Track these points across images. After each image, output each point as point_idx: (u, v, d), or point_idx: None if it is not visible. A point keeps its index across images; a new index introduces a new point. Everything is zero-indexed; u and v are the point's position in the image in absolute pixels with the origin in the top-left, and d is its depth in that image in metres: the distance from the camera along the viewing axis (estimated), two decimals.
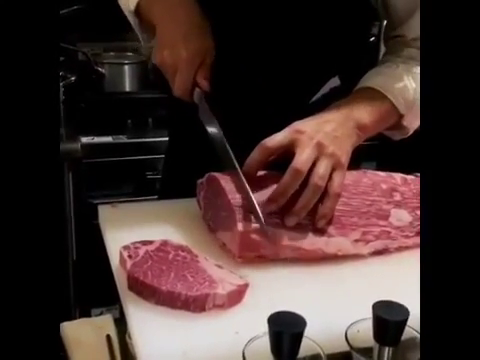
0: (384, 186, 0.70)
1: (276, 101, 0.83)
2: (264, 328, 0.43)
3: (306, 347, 0.43)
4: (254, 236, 0.61)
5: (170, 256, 0.59)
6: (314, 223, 0.64)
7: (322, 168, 0.63)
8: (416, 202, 0.70)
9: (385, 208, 0.68)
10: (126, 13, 0.80)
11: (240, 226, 0.61)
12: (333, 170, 0.64)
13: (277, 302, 0.54)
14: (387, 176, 0.72)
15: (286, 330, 0.40)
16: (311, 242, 0.63)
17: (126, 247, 0.60)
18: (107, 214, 0.72)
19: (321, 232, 0.63)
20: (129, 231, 0.67)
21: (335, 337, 0.46)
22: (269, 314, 0.43)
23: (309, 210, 0.63)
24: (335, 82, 0.85)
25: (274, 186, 0.63)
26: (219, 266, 0.59)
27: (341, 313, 0.51)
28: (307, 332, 0.42)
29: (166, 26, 0.75)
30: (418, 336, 0.46)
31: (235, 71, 0.82)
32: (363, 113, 0.70)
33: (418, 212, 0.70)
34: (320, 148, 0.64)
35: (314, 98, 0.83)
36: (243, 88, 0.82)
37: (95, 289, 1.08)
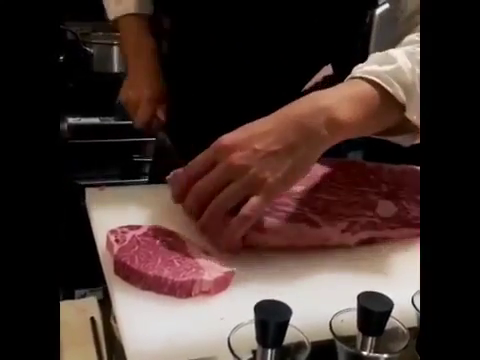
0: (372, 177, 0.70)
1: (267, 87, 0.82)
2: (250, 315, 0.43)
3: (291, 335, 0.43)
4: (260, 226, 0.61)
5: (157, 241, 0.59)
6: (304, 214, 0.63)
7: (227, 193, 0.56)
8: (402, 193, 0.71)
9: (372, 199, 0.69)
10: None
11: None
12: (251, 194, 0.56)
13: (263, 290, 0.54)
14: (375, 167, 0.73)
15: (271, 319, 0.41)
16: (299, 231, 0.63)
17: (113, 231, 0.60)
18: (94, 197, 0.72)
19: (309, 222, 0.64)
20: (116, 215, 0.67)
21: (320, 326, 0.47)
22: (255, 301, 0.44)
23: (296, 199, 0.64)
24: (328, 70, 0.83)
25: None
26: (206, 253, 0.59)
27: (326, 302, 0.52)
28: (292, 320, 0.43)
29: (132, 66, 0.91)
30: (401, 326, 0.47)
31: (225, 56, 0.82)
32: (345, 109, 0.57)
33: (404, 203, 0.70)
34: (238, 171, 0.55)
35: (306, 86, 0.83)
36: (233, 73, 0.82)
37: (79, 270, 1.08)
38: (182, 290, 0.54)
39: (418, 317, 0.48)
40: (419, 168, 0.75)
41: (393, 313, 0.45)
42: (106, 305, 0.63)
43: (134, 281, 0.55)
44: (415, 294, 0.49)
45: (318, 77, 0.82)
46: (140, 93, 0.88)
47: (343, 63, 0.65)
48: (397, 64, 0.59)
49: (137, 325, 0.51)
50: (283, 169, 0.55)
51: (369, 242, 0.67)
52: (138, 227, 0.61)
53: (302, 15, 0.79)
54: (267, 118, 0.58)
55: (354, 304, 0.45)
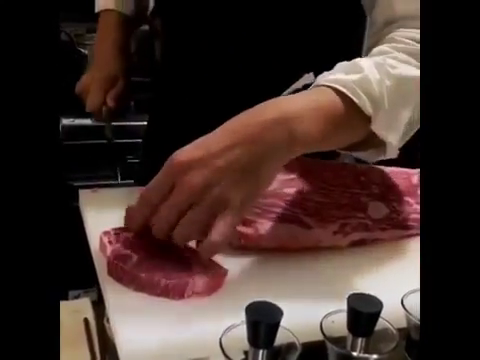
0: (363, 179, 0.71)
1: (259, 92, 0.83)
2: (242, 316, 0.44)
3: (282, 336, 0.44)
4: (253, 228, 0.62)
5: (150, 243, 0.59)
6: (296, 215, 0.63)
7: (192, 216, 0.52)
8: (393, 195, 0.72)
9: (363, 201, 0.69)
10: None
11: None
12: (218, 213, 0.52)
13: (255, 291, 0.55)
14: (366, 169, 0.73)
15: (263, 320, 0.41)
16: (291, 233, 0.63)
17: (106, 233, 0.60)
18: (88, 198, 0.72)
19: (301, 223, 0.64)
20: (110, 216, 0.67)
21: (311, 327, 0.47)
22: (247, 302, 0.44)
23: (288, 200, 0.64)
24: (309, 79, 0.80)
25: None
26: (199, 254, 0.59)
27: (317, 303, 0.52)
28: (284, 321, 0.43)
29: (94, 55, 0.95)
30: (391, 327, 0.47)
31: (218, 61, 0.82)
32: (304, 120, 0.53)
33: (395, 205, 0.71)
34: (199, 192, 0.51)
35: (285, 93, 0.83)
36: (225, 78, 0.82)
37: (73, 271, 1.08)
38: (175, 291, 0.54)
39: (408, 318, 0.49)
40: (409, 170, 0.76)
41: (383, 314, 0.46)
42: (100, 306, 0.64)
43: (127, 282, 0.55)
44: (405, 295, 0.50)
45: (298, 84, 0.82)
46: (91, 77, 0.91)
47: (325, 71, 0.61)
48: (364, 74, 0.56)
49: (130, 326, 0.51)
50: (244, 187, 0.52)
51: (360, 243, 0.68)
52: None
53: (293, 19, 0.79)
54: (224, 130, 0.53)
55: (345, 305, 0.46)
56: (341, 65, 0.59)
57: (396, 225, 0.70)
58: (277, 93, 0.81)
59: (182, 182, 0.51)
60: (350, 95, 0.55)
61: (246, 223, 0.62)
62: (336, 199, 0.68)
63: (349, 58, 0.61)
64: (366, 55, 0.65)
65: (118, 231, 0.61)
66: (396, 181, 0.73)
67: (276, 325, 0.42)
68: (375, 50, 0.63)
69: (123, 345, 0.49)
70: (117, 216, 0.67)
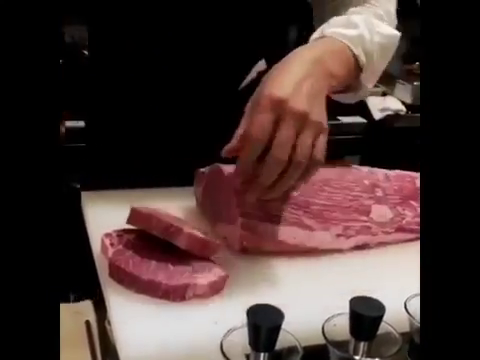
0: (366, 182, 0.71)
1: (202, 89, 0.82)
2: (243, 319, 0.43)
3: (283, 339, 0.44)
4: (255, 230, 0.62)
5: (152, 245, 0.59)
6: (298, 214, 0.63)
7: (306, 144, 0.56)
8: (397, 199, 0.71)
9: (366, 204, 0.69)
10: None
11: (241, 221, 0.62)
12: (317, 136, 0.58)
13: (256, 294, 0.55)
14: (369, 172, 0.73)
15: (264, 323, 0.41)
16: (293, 236, 0.63)
17: (108, 235, 0.60)
18: (90, 200, 0.72)
19: (303, 226, 0.64)
20: (112, 218, 0.67)
21: (312, 330, 0.47)
22: (248, 305, 0.44)
23: (291, 203, 0.64)
24: (262, 66, 0.84)
25: None
26: (200, 257, 0.59)
27: (319, 307, 0.52)
28: (285, 324, 0.43)
29: None
30: (393, 331, 0.47)
31: (143, 63, 0.81)
32: (332, 61, 0.63)
33: (399, 208, 0.71)
34: (304, 118, 0.56)
35: (243, 84, 0.83)
36: (152, 79, 0.82)
37: (74, 273, 1.08)
38: (176, 294, 0.54)
39: (410, 322, 0.48)
40: (413, 173, 0.75)
41: (386, 318, 0.46)
42: (101, 308, 0.63)
43: (128, 284, 0.55)
44: (408, 299, 0.49)
45: (253, 74, 0.82)
46: None
47: (276, 58, 0.63)
48: (360, 30, 0.66)
49: (131, 328, 0.51)
50: (323, 108, 0.59)
51: (363, 247, 0.67)
52: (133, 231, 0.62)
53: (220, 19, 0.79)
54: (285, 69, 0.59)
55: (347, 308, 0.46)
56: (336, 20, 0.69)
57: (400, 229, 0.69)
58: (203, 93, 0.80)
59: (288, 112, 0.56)
60: (352, 47, 0.65)
61: (248, 226, 0.62)
62: (339, 202, 0.67)
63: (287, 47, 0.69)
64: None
65: (120, 233, 0.61)
66: (400, 184, 0.72)
67: (277, 328, 0.41)
68: (349, 12, 0.72)
69: (124, 347, 0.49)
70: (119, 218, 0.67)
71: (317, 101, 0.58)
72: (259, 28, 0.81)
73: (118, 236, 0.60)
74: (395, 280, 0.60)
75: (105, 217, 0.67)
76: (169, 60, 0.80)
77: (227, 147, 0.59)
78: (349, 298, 0.46)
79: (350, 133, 1.72)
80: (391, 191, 0.71)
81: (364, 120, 1.74)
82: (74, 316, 0.73)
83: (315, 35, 0.67)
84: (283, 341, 0.44)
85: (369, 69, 0.67)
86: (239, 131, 0.58)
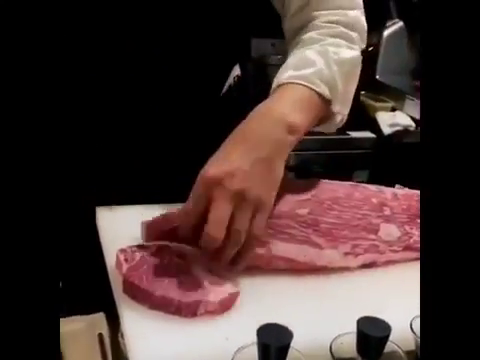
0: (374, 200, 0.72)
1: (185, 93, 0.82)
2: (253, 335, 0.45)
3: (292, 358, 0.45)
4: (265, 248, 0.64)
5: (165, 261, 0.61)
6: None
7: (241, 222, 0.58)
8: (405, 217, 0.73)
9: (375, 222, 0.70)
10: None
11: None
12: (255, 213, 0.59)
13: (266, 311, 0.56)
14: (378, 191, 0.74)
15: (273, 342, 0.42)
16: (303, 254, 0.65)
17: (123, 250, 0.62)
18: (105, 216, 0.74)
19: (312, 244, 0.65)
20: (126, 234, 0.68)
21: (320, 348, 0.48)
22: (258, 322, 0.45)
23: (300, 221, 0.65)
24: (236, 70, 0.86)
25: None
26: (212, 273, 0.60)
27: (327, 325, 0.53)
28: (294, 342, 0.44)
29: None
30: (398, 350, 0.48)
31: (143, 63, 0.81)
32: (293, 114, 0.63)
33: (407, 227, 0.72)
34: (239, 197, 0.57)
35: (224, 90, 0.84)
36: (151, 79, 0.81)
37: (88, 286, 1.09)
38: (188, 310, 0.55)
39: (416, 341, 0.50)
40: None
41: (392, 336, 0.47)
42: (114, 321, 0.65)
43: (142, 300, 0.57)
44: (414, 318, 0.50)
45: (230, 79, 0.85)
46: None
47: (247, 61, 0.67)
48: (316, 67, 0.67)
49: (144, 342, 0.53)
50: (268, 182, 0.60)
51: (371, 265, 0.69)
52: (147, 246, 0.63)
53: (218, 19, 0.80)
54: (234, 142, 0.61)
55: (354, 327, 0.47)
56: (292, 62, 0.69)
57: (407, 247, 0.71)
58: (203, 94, 0.81)
59: (220, 194, 0.57)
60: (313, 86, 0.65)
61: (259, 243, 0.63)
62: (348, 220, 0.69)
63: None
64: (290, 38, 0.77)
65: (134, 249, 0.62)
66: (408, 203, 0.73)
67: (286, 348, 0.43)
68: (306, 38, 0.73)
69: None
70: (133, 234, 0.69)
71: (261, 174, 0.59)
72: (235, 36, 0.82)
73: (132, 252, 0.62)
74: (401, 298, 0.62)
75: (120, 233, 0.69)
76: (157, 63, 0.81)
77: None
78: (357, 317, 0.47)
79: (359, 148, 1.73)
80: (399, 210, 0.72)
81: (373, 135, 1.76)
82: (87, 328, 0.75)
83: (274, 85, 0.67)
84: (292, 358, 0.45)
85: (338, 98, 0.68)
86: (185, 205, 0.60)
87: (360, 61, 0.74)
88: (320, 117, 0.68)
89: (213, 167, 0.58)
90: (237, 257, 0.60)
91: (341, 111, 0.70)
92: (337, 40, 0.72)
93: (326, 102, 0.67)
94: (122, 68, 0.81)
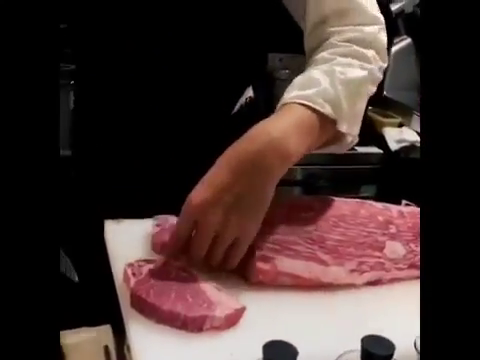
0: (380, 218, 0.72)
1: (197, 115, 0.83)
2: (258, 351, 0.45)
3: None
4: (271, 264, 0.65)
5: (172, 276, 0.61)
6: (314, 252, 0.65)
7: (219, 250, 0.62)
8: (411, 235, 0.73)
9: (380, 240, 0.70)
10: None
11: (258, 254, 0.64)
12: (236, 240, 0.62)
13: (271, 327, 0.56)
14: (384, 208, 0.75)
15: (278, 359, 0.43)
16: (309, 270, 0.65)
17: (130, 265, 0.63)
18: (112, 229, 0.75)
19: (318, 260, 0.66)
20: (133, 247, 0.69)
21: None
22: (263, 338, 0.46)
23: (306, 238, 0.66)
24: (249, 92, 0.87)
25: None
26: (218, 288, 0.61)
27: (332, 342, 0.54)
28: (299, 359, 0.45)
29: None
30: None
31: (143, 63, 0.81)
32: (293, 138, 0.62)
33: (412, 245, 0.72)
34: (220, 227, 0.60)
35: (235, 109, 0.85)
36: (152, 81, 0.82)
37: (95, 299, 1.10)
38: (194, 325, 0.56)
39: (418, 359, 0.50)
40: None
41: (396, 355, 0.47)
42: (120, 334, 0.65)
43: (149, 314, 0.57)
44: (417, 337, 0.51)
45: (242, 100, 0.85)
46: None
47: (263, 84, 0.67)
48: (321, 86, 0.66)
49: (150, 356, 0.53)
50: (253, 209, 0.62)
51: (376, 282, 0.69)
52: (153, 261, 0.64)
53: (220, 20, 0.79)
54: (224, 165, 0.61)
55: (359, 346, 0.47)
56: (298, 81, 0.69)
57: (412, 265, 0.71)
58: (203, 94, 0.81)
59: (202, 224, 0.61)
60: (317, 107, 0.65)
61: (265, 259, 0.64)
62: (354, 237, 0.69)
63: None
64: (308, 56, 0.77)
65: (141, 263, 0.63)
66: (414, 221, 0.74)
67: None
68: (319, 58, 0.72)
69: None
70: (141, 247, 0.70)
71: (245, 205, 0.60)
72: (250, 58, 0.83)
73: (139, 266, 0.62)
74: (406, 317, 0.62)
75: (127, 246, 0.70)
76: (157, 63, 0.81)
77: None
78: (361, 334, 0.48)
79: (366, 163, 1.74)
80: (405, 228, 0.73)
81: (380, 151, 1.77)
82: (93, 340, 0.75)
83: (278, 104, 0.67)
84: None
85: (343, 118, 0.67)
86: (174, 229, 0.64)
87: (371, 80, 0.72)
88: (326, 138, 0.68)
89: (197, 193, 0.60)
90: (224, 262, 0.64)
91: (350, 131, 0.69)
92: (349, 59, 0.71)
93: (331, 122, 0.66)
94: (134, 83, 0.82)
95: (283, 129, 0.62)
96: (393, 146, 1.74)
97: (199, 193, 0.60)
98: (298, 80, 0.69)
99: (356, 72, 0.70)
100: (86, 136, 0.92)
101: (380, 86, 0.83)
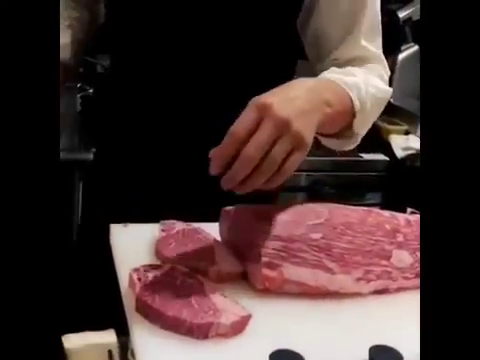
0: (388, 226, 0.72)
1: (219, 115, 0.81)
2: (264, 359, 0.45)
3: None
4: (277, 271, 0.64)
5: (177, 282, 0.61)
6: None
7: (280, 151, 0.59)
8: (417, 244, 0.72)
9: (387, 248, 0.70)
10: None
11: (264, 261, 0.63)
12: (294, 149, 0.60)
13: (277, 335, 0.56)
14: (391, 217, 0.74)
15: None
16: (315, 278, 0.65)
17: (136, 270, 0.62)
18: (119, 233, 0.75)
19: (325, 269, 0.65)
20: (139, 252, 0.69)
21: None
22: (269, 346, 0.46)
23: (313, 245, 0.66)
24: None
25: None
26: (224, 295, 0.61)
27: (338, 351, 0.53)
28: None
29: None
30: None
31: (177, 83, 0.83)
32: (329, 94, 0.67)
33: (419, 254, 0.72)
34: (285, 125, 0.59)
35: None
36: (185, 100, 0.83)
37: (100, 304, 1.10)
38: (199, 332, 0.55)
39: None
40: None
41: None
42: (124, 339, 0.65)
43: (154, 320, 0.57)
44: None
45: None
46: None
47: None
48: (357, 79, 0.73)
49: None
50: (311, 127, 0.62)
51: (383, 291, 0.68)
52: (159, 266, 0.64)
53: (251, 42, 0.82)
54: (284, 87, 0.64)
55: (365, 354, 0.47)
56: (336, 69, 0.75)
57: (419, 274, 0.70)
58: (235, 113, 0.83)
59: (270, 115, 0.58)
60: (350, 93, 0.70)
61: (271, 267, 0.63)
62: (361, 246, 0.69)
63: None
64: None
65: (147, 268, 0.63)
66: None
67: None
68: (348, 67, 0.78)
69: None
70: (147, 252, 0.70)
71: (305, 117, 0.61)
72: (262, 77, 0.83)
73: (145, 271, 0.62)
74: (412, 326, 0.61)
75: (133, 251, 0.70)
76: (190, 84, 0.83)
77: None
78: (368, 343, 0.47)
79: (372, 170, 1.74)
80: (412, 236, 0.72)
81: (386, 158, 1.76)
82: (97, 345, 0.75)
83: (320, 76, 0.73)
84: None
85: (362, 116, 0.72)
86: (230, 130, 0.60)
87: (389, 96, 0.80)
88: (340, 127, 0.72)
89: (265, 96, 0.61)
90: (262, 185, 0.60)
91: (358, 129, 0.74)
92: (377, 78, 0.80)
93: (351, 114, 0.71)
94: (167, 101, 0.84)
95: (329, 89, 0.68)
96: (399, 153, 1.74)
97: (266, 96, 0.61)
98: (335, 68, 0.75)
99: (383, 85, 0.79)
100: (100, 141, 0.94)
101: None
